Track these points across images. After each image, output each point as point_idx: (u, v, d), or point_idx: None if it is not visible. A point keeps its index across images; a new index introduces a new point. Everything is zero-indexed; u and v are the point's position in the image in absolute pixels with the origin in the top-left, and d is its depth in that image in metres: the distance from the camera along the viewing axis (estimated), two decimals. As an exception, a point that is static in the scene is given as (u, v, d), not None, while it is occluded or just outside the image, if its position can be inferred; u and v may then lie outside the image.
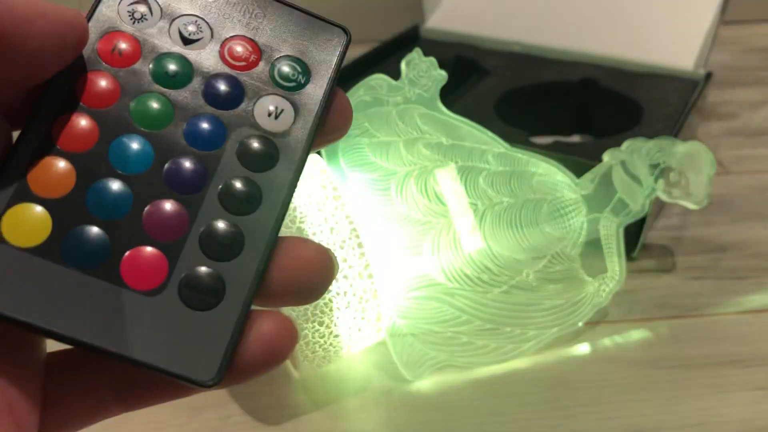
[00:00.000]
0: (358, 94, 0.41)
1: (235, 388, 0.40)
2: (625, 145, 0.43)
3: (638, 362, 0.41)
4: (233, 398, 0.39)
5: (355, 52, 0.66)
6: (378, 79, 0.42)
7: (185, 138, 0.18)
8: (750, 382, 0.40)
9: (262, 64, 0.20)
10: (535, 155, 0.43)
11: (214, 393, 0.40)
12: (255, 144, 0.19)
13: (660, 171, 0.43)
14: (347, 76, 0.61)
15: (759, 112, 0.73)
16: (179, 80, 0.19)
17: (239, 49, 0.20)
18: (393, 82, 0.42)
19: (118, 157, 0.18)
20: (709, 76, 0.63)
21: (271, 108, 0.19)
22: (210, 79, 0.19)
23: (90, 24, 0.18)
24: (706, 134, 0.69)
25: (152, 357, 0.17)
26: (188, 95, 0.19)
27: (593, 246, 0.43)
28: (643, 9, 0.69)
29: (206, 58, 0.19)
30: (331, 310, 0.35)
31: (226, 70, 0.19)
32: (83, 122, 0.18)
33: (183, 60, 0.19)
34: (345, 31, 0.21)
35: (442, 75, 0.42)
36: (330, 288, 0.35)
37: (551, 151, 0.49)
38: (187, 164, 0.18)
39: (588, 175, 0.43)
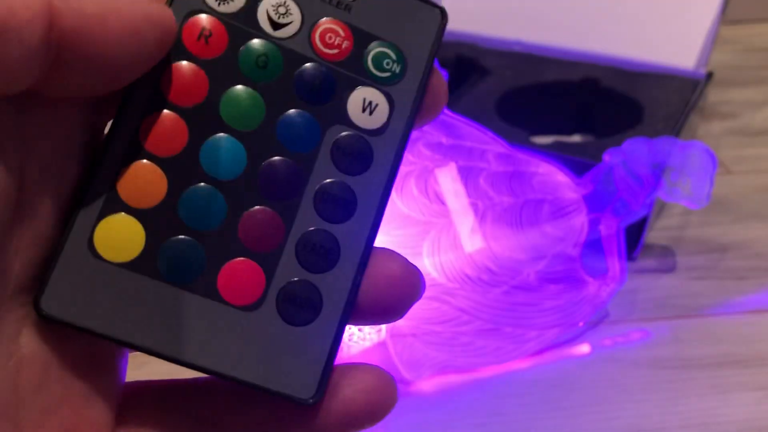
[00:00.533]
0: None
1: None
2: (625, 144, 0.43)
3: (639, 362, 0.41)
4: (233, 399, 0.39)
5: (355, 52, 0.66)
6: (378, 79, 0.42)
7: (279, 138, 0.17)
8: (751, 382, 0.40)
9: (354, 51, 0.18)
10: (535, 155, 0.43)
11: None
12: (349, 144, 0.17)
13: (661, 171, 0.43)
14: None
15: (760, 111, 0.73)
16: (270, 71, 0.17)
17: (331, 34, 0.18)
18: (393, 81, 0.42)
19: (210, 161, 0.16)
20: (710, 75, 0.63)
21: (365, 102, 0.18)
22: (302, 69, 0.17)
23: (172, 5, 0.17)
24: (707, 134, 0.69)
25: (251, 375, 0.16)
26: (279, 88, 0.17)
27: (594, 246, 0.43)
28: (643, 8, 0.69)
29: (297, 44, 0.17)
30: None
31: (318, 58, 0.18)
32: (172, 123, 0.16)
33: (273, 48, 0.17)
34: (442, 11, 0.19)
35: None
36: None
37: (552, 151, 0.49)
38: (282, 168, 0.17)
39: (588, 175, 0.43)
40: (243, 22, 0.17)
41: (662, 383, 0.40)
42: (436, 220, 0.40)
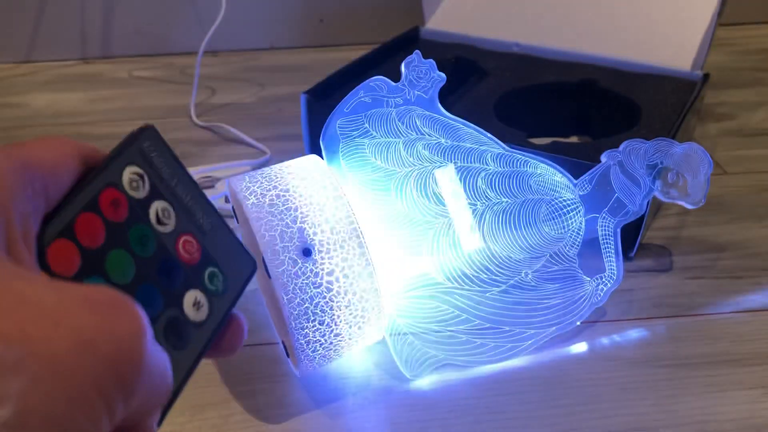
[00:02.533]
0: (358, 96, 0.42)
1: (236, 386, 0.40)
2: (622, 145, 0.43)
3: (636, 361, 0.41)
4: (234, 397, 0.40)
5: (355, 54, 0.66)
6: (378, 81, 0.42)
7: (136, 297, 0.22)
8: (747, 380, 0.40)
9: (200, 262, 0.25)
10: (533, 156, 0.43)
11: (215, 392, 0.40)
12: (177, 326, 0.23)
13: (657, 171, 0.43)
14: (348, 77, 0.62)
15: (756, 112, 0.74)
16: (146, 249, 0.23)
17: (188, 245, 0.24)
18: (393, 83, 0.42)
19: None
20: (706, 77, 0.64)
21: (196, 300, 0.24)
22: (164, 258, 0.23)
23: (99, 173, 0.22)
24: (704, 135, 0.69)
25: None
26: (147, 263, 0.23)
27: (591, 246, 0.43)
28: (641, 11, 0.70)
29: (167, 240, 0.24)
30: (331, 309, 0.35)
31: (176, 256, 0.24)
32: (71, 251, 0.21)
33: (152, 235, 0.23)
34: (254, 264, 0.27)
35: (441, 76, 0.42)
36: (331, 287, 0.35)
37: (550, 152, 0.49)
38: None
39: (586, 176, 0.43)
40: (140, 209, 0.23)
41: (658, 381, 0.40)
42: (435, 220, 0.40)
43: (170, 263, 0.23)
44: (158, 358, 0.19)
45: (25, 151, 0.20)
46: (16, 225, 0.19)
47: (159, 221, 0.24)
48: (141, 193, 0.23)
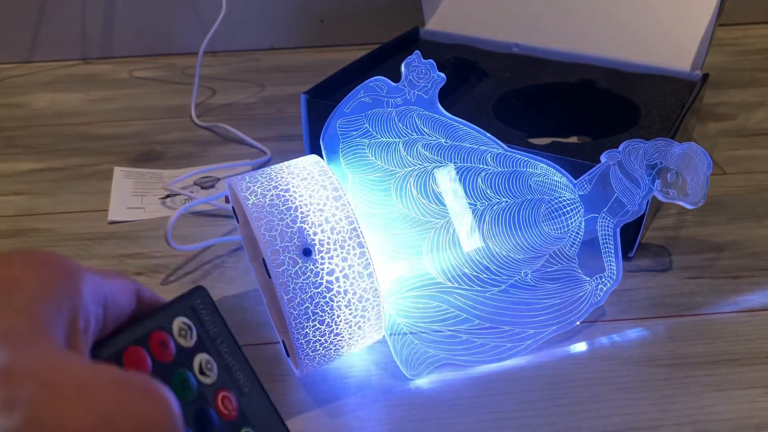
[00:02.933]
0: (358, 96, 0.42)
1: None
2: (622, 145, 0.43)
3: (635, 361, 0.42)
4: (235, 396, 0.40)
5: (355, 54, 0.66)
6: (378, 81, 0.42)
7: None
8: (745, 380, 0.40)
9: (236, 420, 0.26)
10: (533, 156, 0.43)
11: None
12: None
13: (657, 171, 0.43)
14: (348, 78, 0.62)
15: (755, 113, 0.74)
16: (186, 395, 0.25)
17: (227, 401, 0.26)
18: (393, 84, 0.42)
19: None
20: (705, 77, 0.64)
21: None
22: (202, 407, 0.25)
23: (150, 319, 0.25)
24: (703, 135, 0.69)
25: None
26: (186, 407, 0.24)
27: (591, 246, 0.43)
28: (640, 11, 0.70)
29: (207, 391, 0.25)
30: (331, 309, 0.35)
31: (214, 407, 0.25)
32: None
33: (194, 383, 0.25)
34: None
35: (441, 77, 0.43)
36: (331, 287, 0.35)
37: (549, 152, 0.50)
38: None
39: (586, 176, 0.43)
40: (185, 356, 0.25)
41: (658, 381, 0.40)
42: (435, 220, 0.40)
43: (208, 413, 0.25)
44: None
45: (98, 271, 0.23)
46: (80, 321, 0.20)
47: (202, 371, 0.25)
48: (188, 342, 0.25)
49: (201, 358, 0.26)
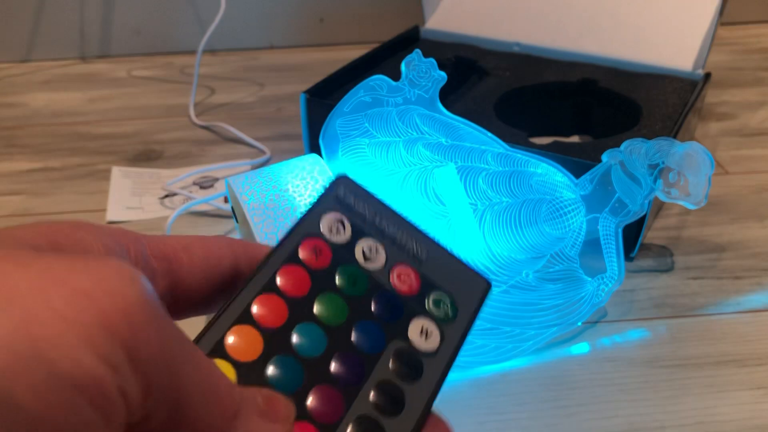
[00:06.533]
0: (358, 95, 0.41)
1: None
2: (623, 145, 0.43)
3: (637, 361, 0.41)
4: (234, 397, 0.39)
5: (355, 53, 0.66)
6: (378, 80, 0.42)
7: (353, 337, 0.22)
8: (748, 381, 0.40)
9: (420, 291, 0.24)
10: (534, 155, 0.43)
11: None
12: (407, 357, 0.22)
13: (659, 171, 0.43)
14: (348, 77, 0.62)
15: (757, 112, 0.74)
16: (357, 288, 0.23)
17: (404, 276, 0.24)
18: (393, 82, 0.42)
19: (298, 340, 0.21)
20: (707, 76, 0.64)
21: (423, 329, 0.23)
22: (380, 293, 0.23)
23: (295, 230, 0.23)
24: (705, 134, 0.69)
25: None
26: (361, 302, 0.23)
27: (592, 246, 0.43)
28: (642, 10, 0.69)
29: (379, 276, 0.23)
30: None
31: (392, 289, 0.23)
32: (277, 305, 0.21)
33: (362, 274, 0.23)
34: (488, 282, 0.25)
35: (441, 76, 0.42)
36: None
37: (550, 152, 0.49)
38: (351, 361, 0.22)
39: (587, 176, 0.43)
40: (345, 251, 0.23)
41: (660, 382, 0.40)
42: (435, 220, 0.40)
43: (386, 297, 0.23)
44: (185, 346, 0.17)
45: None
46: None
47: (366, 258, 0.24)
48: (343, 236, 0.24)
49: (362, 245, 0.24)
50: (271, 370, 0.20)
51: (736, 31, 0.94)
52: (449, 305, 0.24)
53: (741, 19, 0.96)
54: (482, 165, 0.42)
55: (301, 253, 0.23)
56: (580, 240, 0.42)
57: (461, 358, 0.40)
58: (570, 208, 0.42)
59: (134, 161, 0.66)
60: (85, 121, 0.74)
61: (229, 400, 0.18)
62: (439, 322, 0.23)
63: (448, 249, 0.25)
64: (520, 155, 0.43)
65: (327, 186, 0.25)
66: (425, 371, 0.22)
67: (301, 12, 0.93)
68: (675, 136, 0.51)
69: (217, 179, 0.62)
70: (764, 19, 0.98)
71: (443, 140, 0.42)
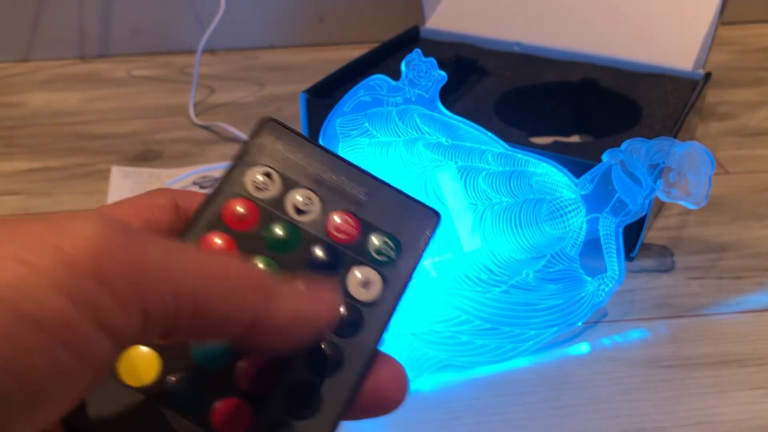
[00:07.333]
0: (358, 95, 0.41)
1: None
2: (624, 145, 0.43)
3: (637, 362, 0.41)
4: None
5: (355, 53, 0.66)
6: (378, 80, 0.42)
7: None
8: (749, 381, 0.40)
9: (360, 237, 0.22)
10: (534, 155, 0.43)
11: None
12: (343, 311, 0.21)
13: (659, 171, 0.43)
14: (347, 76, 0.61)
15: (758, 112, 0.74)
16: (288, 246, 0.21)
17: (341, 222, 0.22)
18: (393, 82, 0.42)
19: None
20: (708, 76, 0.64)
21: (362, 278, 0.21)
22: (313, 247, 0.21)
23: (219, 188, 0.21)
24: (705, 134, 0.69)
25: None
26: (294, 259, 0.21)
27: (593, 246, 0.43)
28: (642, 10, 0.69)
29: (314, 227, 0.22)
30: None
31: (328, 240, 0.22)
32: None
33: (293, 229, 0.21)
34: (436, 213, 0.23)
35: (441, 75, 0.42)
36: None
37: (551, 151, 0.49)
38: None
39: (587, 175, 0.43)
40: (274, 207, 0.21)
41: (660, 382, 0.40)
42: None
43: (322, 250, 0.21)
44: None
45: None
46: None
47: (299, 211, 0.22)
48: (272, 191, 0.22)
49: (292, 198, 0.22)
50: (196, 351, 0.19)
51: (736, 31, 0.94)
52: (392, 246, 0.22)
53: (741, 19, 0.96)
54: (482, 165, 0.42)
55: (225, 218, 0.21)
56: (580, 240, 0.42)
57: (461, 358, 0.40)
58: (570, 208, 0.42)
59: (134, 161, 0.65)
60: (85, 120, 0.74)
61: (251, 281, 0.17)
62: (381, 267, 0.22)
63: (392, 185, 0.23)
64: (520, 155, 0.42)
65: (251, 134, 0.22)
66: (366, 323, 0.21)
67: (301, 11, 0.93)
68: (675, 136, 0.51)
69: (216, 179, 0.62)
70: (765, 19, 0.98)
71: (443, 140, 0.42)
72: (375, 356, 0.21)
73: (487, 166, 0.42)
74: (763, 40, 0.93)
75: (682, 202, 0.43)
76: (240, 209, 0.21)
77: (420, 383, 0.40)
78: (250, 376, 0.19)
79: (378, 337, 0.21)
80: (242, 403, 0.19)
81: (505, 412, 0.38)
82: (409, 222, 0.23)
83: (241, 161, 0.22)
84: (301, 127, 0.60)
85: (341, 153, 0.41)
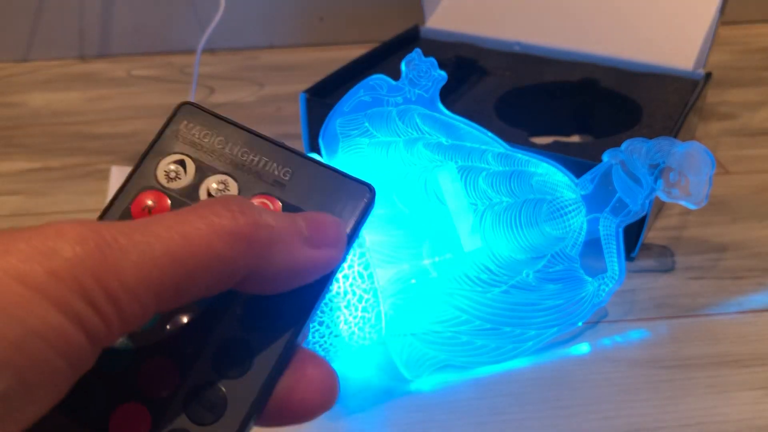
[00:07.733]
0: (358, 95, 0.41)
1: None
2: (624, 145, 0.43)
3: (638, 362, 0.41)
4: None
5: (355, 53, 0.66)
6: (378, 80, 0.42)
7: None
8: (749, 381, 0.40)
9: None
10: (534, 155, 0.43)
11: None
12: (252, 305, 0.19)
13: (659, 171, 0.43)
14: (347, 76, 0.61)
15: (758, 112, 0.73)
16: None
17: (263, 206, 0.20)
18: (393, 82, 0.42)
19: None
20: (708, 76, 0.63)
21: None
22: None
23: (130, 182, 0.20)
24: (706, 134, 0.69)
25: None
26: None
27: (593, 246, 0.43)
28: (642, 9, 0.69)
29: None
30: (331, 310, 0.35)
31: None
32: None
33: None
34: (369, 188, 0.21)
35: (442, 75, 0.42)
36: (330, 288, 0.35)
37: (551, 151, 0.49)
38: (189, 326, 0.19)
39: (587, 175, 0.43)
40: (187, 197, 0.20)
41: (660, 382, 0.40)
42: (435, 220, 0.40)
43: None
44: None
45: None
46: None
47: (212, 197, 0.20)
48: (185, 181, 0.20)
49: (207, 185, 0.20)
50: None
51: (737, 31, 0.94)
52: None
53: (742, 19, 0.96)
54: (482, 165, 0.42)
55: (134, 212, 0.20)
56: (580, 240, 0.42)
57: (461, 358, 0.40)
58: (571, 208, 0.42)
59: (134, 161, 0.65)
60: (85, 120, 0.74)
61: (239, 240, 0.16)
62: None
63: (321, 162, 0.21)
64: (520, 155, 0.42)
65: (166, 121, 0.21)
66: (278, 313, 0.19)
67: (301, 11, 0.93)
68: (676, 136, 0.51)
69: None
70: (765, 19, 0.98)
71: (443, 140, 0.42)
72: (292, 352, 0.19)
73: (487, 166, 0.42)
74: (763, 40, 0.93)
75: (682, 202, 0.43)
76: (149, 202, 0.20)
77: (420, 383, 0.40)
78: (149, 378, 0.18)
79: (296, 329, 0.19)
80: (141, 408, 0.18)
81: (505, 412, 0.38)
82: (338, 200, 0.21)
83: (153, 150, 0.21)
84: (301, 127, 0.60)
85: (341, 153, 0.40)
